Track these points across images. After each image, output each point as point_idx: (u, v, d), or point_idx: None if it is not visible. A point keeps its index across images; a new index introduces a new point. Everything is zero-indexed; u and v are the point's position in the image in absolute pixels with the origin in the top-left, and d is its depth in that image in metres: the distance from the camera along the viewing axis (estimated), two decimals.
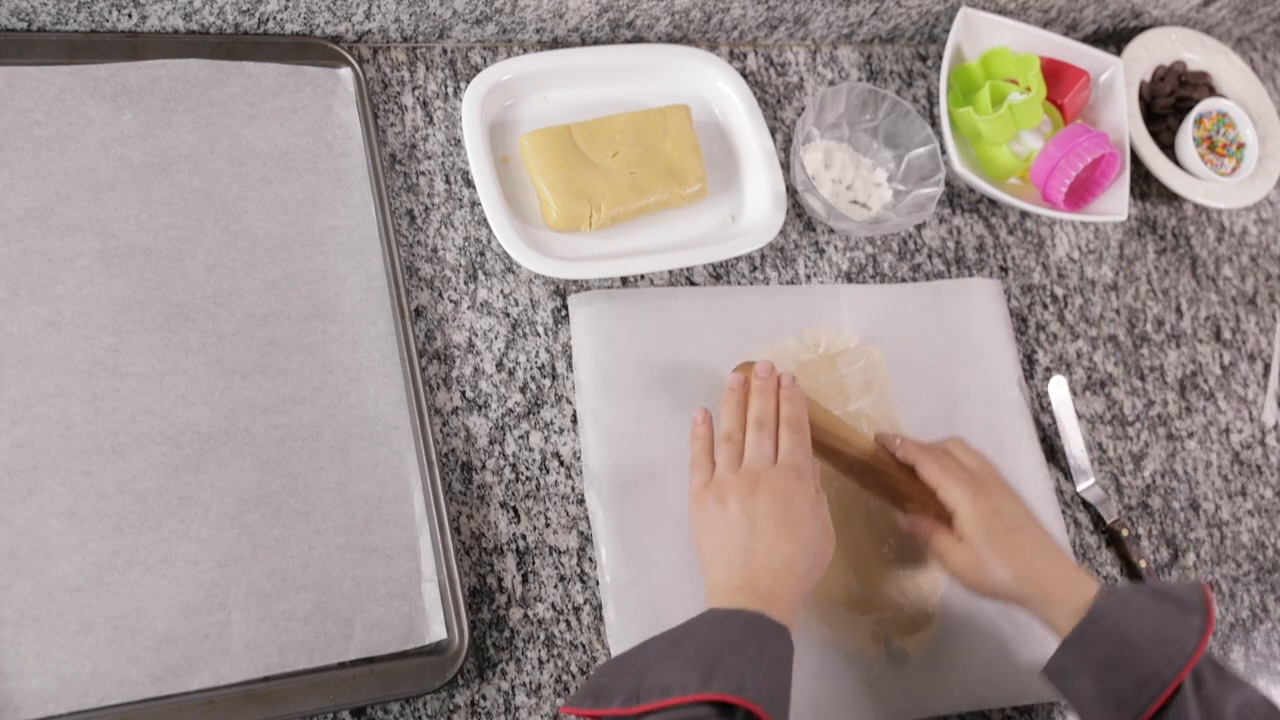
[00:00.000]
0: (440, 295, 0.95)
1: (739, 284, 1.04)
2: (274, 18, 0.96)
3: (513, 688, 0.86)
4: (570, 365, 0.96)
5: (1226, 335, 1.24)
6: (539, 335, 0.96)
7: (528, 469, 0.92)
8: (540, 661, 0.87)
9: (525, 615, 0.88)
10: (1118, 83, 1.20)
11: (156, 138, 0.90)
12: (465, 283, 0.96)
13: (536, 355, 0.96)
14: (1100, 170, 1.15)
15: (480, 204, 0.96)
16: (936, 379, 1.05)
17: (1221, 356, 1.23)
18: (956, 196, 1.17)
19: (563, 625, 0.89)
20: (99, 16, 0.91)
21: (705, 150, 1.05)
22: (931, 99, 1.20)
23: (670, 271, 1.02)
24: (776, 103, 1.13)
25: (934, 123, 1.18)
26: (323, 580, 0.82)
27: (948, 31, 1.18)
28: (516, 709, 0.85)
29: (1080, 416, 1.12)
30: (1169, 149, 1.26)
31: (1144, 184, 1.26)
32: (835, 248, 1.09)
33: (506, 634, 0.87)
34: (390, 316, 0.91)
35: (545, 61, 1.03)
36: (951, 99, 1.15)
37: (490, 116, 1.00)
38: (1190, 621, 0.81)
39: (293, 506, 0.83)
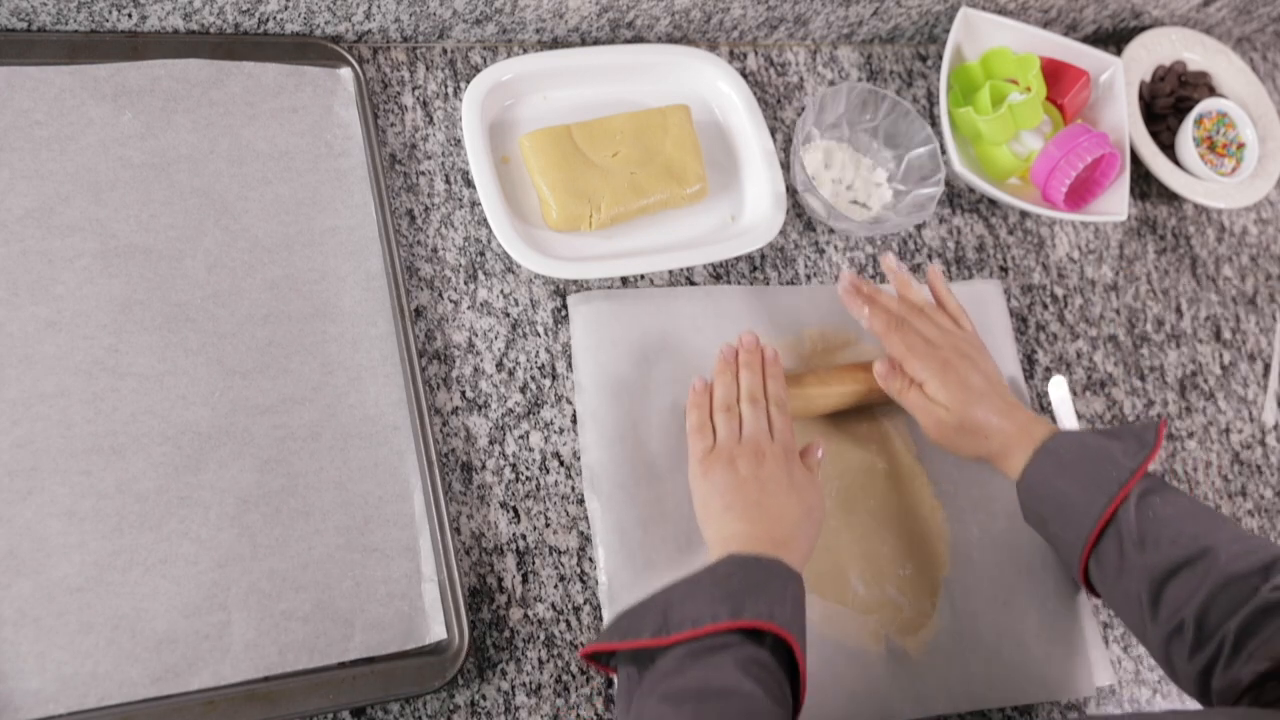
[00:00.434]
0: (440, 295, 0.95)
1: (739, 284, 1.04)
2: (274, 18, 0.96)
3: (513, 688, 0.86)
4: (570, 365, 0.96)
5: (1226, 335, 1.24)
6: (539, 335, 0.96)
7: (528, 469, 0.92)
8: (540, 661, 0.87)
9: (525, 615, 0.88)
10: (1118, 83, 1.20)
11: (156, 138, 0.90)
12: (465, 283, 0.96)
13: (536, 355, 0.96)
14: (1100, 170, 1.15)
15: (480, 204, 0.96)
16: None
17: (1221, 356, 1.23)
18: (956, 196, 1.17)
19: (563, 625, 0.89)
20: (99, 16, 0.91)
21: (705, 150, 1.05)
22: (931, 99, 1.20)
23: (670, 271, 1.02)
24: (776, 103, 1.13)
25: (934, 123, 1.18)
26: (323, 580, 0.82)
27: (948, 31, 1.18)
28: (516, 709, 0.85)
29: (1080, 416, 1.12)
30: (1169, 149, 1.26)
31: (1144, 184, 1.26)
32: (835, 248, 1.09)
33: (506, 634, 0.87)
34: (390, 316, 0.91)
35: (545, 61, 1.03)
36: (951, 99, 1.15)
37: (490, 116, 1.00)
38: (1136, 451, 0.89)
39: (293, 506, 0.83)
